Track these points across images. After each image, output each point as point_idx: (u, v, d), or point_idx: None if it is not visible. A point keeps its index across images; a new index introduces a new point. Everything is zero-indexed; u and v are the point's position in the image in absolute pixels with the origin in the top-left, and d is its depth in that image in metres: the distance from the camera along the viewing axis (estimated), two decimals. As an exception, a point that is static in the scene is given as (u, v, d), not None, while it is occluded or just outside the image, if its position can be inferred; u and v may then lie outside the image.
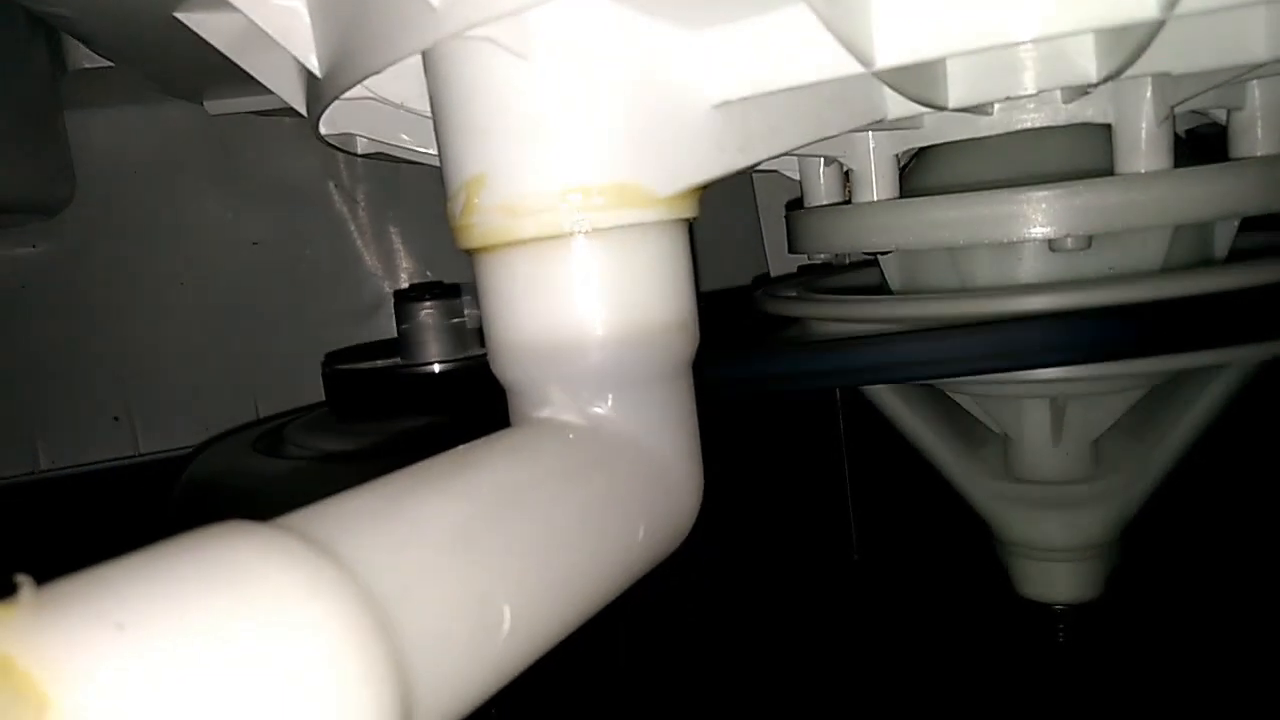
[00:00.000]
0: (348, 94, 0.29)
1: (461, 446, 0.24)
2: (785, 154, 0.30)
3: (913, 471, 0.51)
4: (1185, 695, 0.46)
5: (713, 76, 0.26)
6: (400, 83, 0.30)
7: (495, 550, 0.21)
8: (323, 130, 0.35)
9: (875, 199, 0.38)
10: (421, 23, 0.23)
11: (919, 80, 0.27)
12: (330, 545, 0.18)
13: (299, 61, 0.29)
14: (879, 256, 0.42)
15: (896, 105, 0.29)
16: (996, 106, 0.35)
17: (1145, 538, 0.46)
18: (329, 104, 0.30)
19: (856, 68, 0.24)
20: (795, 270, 0.60)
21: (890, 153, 0.38)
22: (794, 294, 0.45)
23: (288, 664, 0.15)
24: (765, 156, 0.28)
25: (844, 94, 0.28)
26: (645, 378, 0.27)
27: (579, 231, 0.25)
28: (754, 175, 0.60)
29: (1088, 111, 0.34)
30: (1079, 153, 0.37)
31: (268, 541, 0.17)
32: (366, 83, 0.28)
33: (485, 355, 0.50)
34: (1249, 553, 0.52)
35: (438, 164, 0.40)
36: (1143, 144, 0.33)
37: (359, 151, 0.40)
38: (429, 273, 0.75)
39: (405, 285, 0.74)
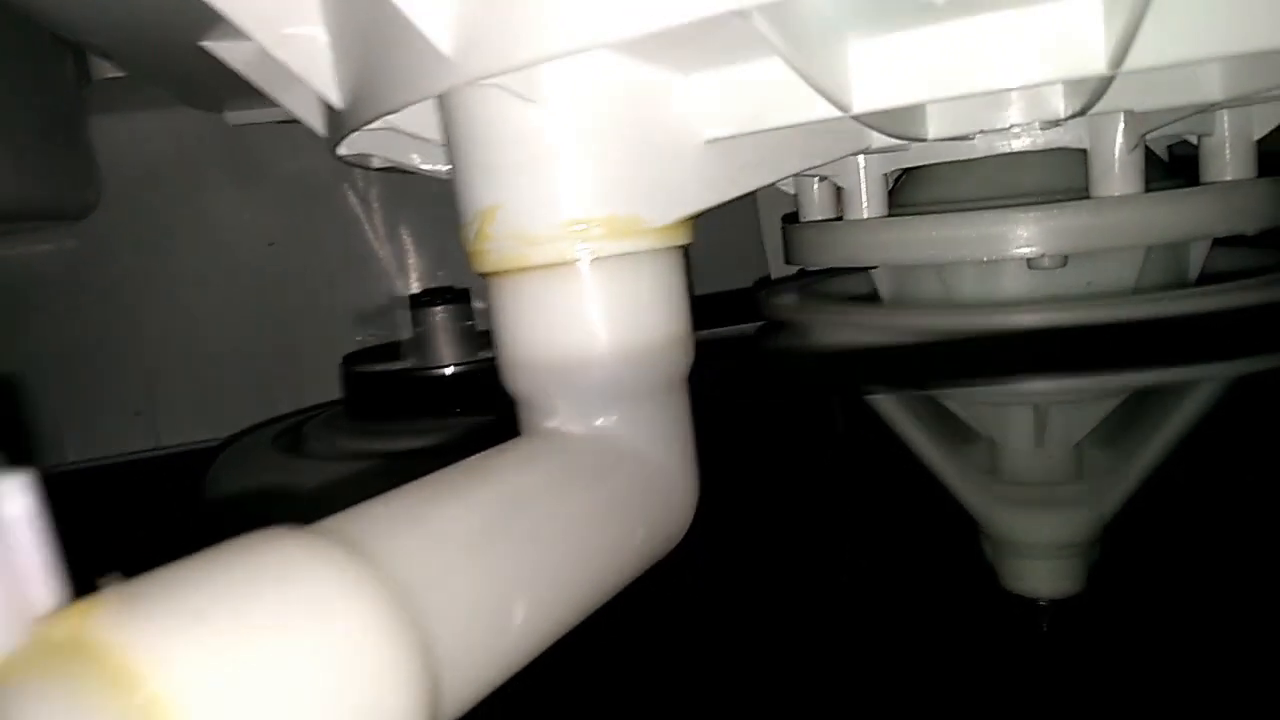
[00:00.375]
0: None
1: (477, 455, 0.26)
2: (770, 184, 0.32)
3: (907, 469, 0.54)
4: (1161, 684, 0.48)
5: (703, 116, 0.28)
6: (415, 115, 0.32)
7: (509, 551, 0.23)
8: (340, 151, 0.37)
9: (865, 216, 0.40)
10: (437, 70, 0.25)
11: (898, 120, 0.29)
12: (365, 547, 0.20)
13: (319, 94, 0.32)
14: (870, 269, 0.44)
15: (880, 137, 0.31)
16: (977, 134, 0.37)
17: (1125, 536, 0.49)
18: (348, 134, 0.32)
19: (831, 112, 0.26)
20: (795, 272, 0.62)
21: (879, 172, 0.40)
22: (795, 300, 0.47)
23: (333, 650, 0.18)
24: (755, 187, 0.30)
25: (826, 130, 0.30)
26: (644, 391, 0.29)
27: (581, 259, 0.27)
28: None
29: (1065, 137, 0.36)
30: (1058, 174, 0.40)
31: (312, 545, 0.19)
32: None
33: (493, 358, 0.53)
34: (1224, 551, 0.54)
35: (448, 179, 0.42)
36: (1115, 169, 0.35)
37: (374, 167, 0.42)
38: (439, 272, 0.77)
39: (415, 284, 0.77)
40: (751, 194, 0.70)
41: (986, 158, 0.40)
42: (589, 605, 0.26)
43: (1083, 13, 0.23)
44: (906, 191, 0.44)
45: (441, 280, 0.75)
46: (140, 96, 0.64)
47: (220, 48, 0.36)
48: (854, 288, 0.51)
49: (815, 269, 0.52)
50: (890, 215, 0.41)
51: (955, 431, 0.50)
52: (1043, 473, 0.46)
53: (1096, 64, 0.23)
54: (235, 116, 0.57)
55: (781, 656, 0.53)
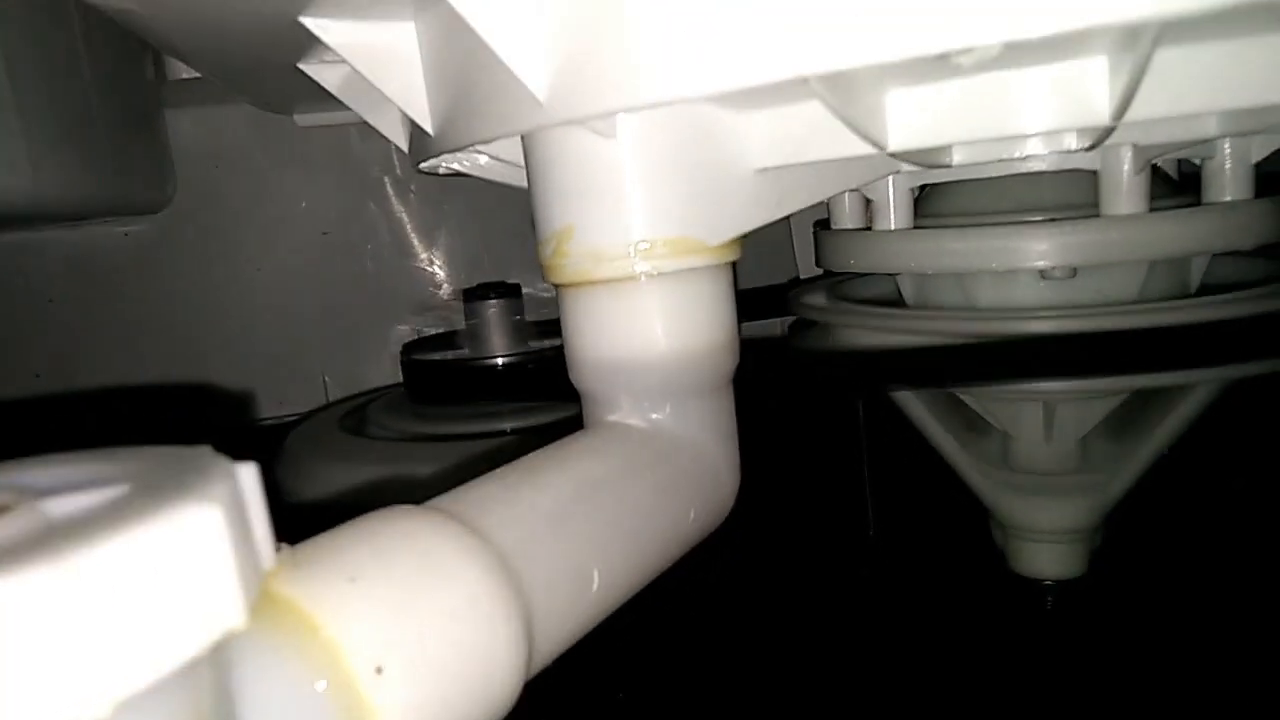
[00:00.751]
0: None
1: (552, 445, 0.31)
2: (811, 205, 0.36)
3: (925, 459, 0.57)
4: (1158, 661, 0.52)
5: (755, 149, 0.31)
6: (498, 142, 0.36)
7: (585, 527, 0.27)
8: (422, 166, 0.41)
9: (892, 228, 0.44)
10: (531, 112, 0.29)
11: (926, 155, 0.32)
12: (472, 522, 0.24)
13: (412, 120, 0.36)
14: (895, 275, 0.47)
15: (908, 164, 0.35)
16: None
17: (1125, 524, 0.52)
18: (437, 155, 0.36)
19: (868, 150, 0.30)
20: (823, 273, 0.66)
21: (906, 187, 0.44)
22: (823, 302, 0.51)
23: (456, 606, 0.22)
24: (798, 208, 0.34)
25: (863, 160, 0.34)
26: (695, 389, 0.33)
27: (645, 274, 0.31)
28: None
29: (1079, 160, 0.40)
30: (1071, 190, 0.43)
31: (432, 520, 0.23)
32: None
33: (543, 349, 0.57)
34: (1218, 539, 0.57)
35: (509, 184, 0.46)
36: (1123, 190, 0.39)
37: (441, 173, 0.46)
38: (484, 264, 0.81)
39: (460, 276, 0.81)
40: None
41: (1005, 177, 0.44)
42: (649, 575, 0.30)
43: (1090, 71, 0.27)
44: (931, 203, 0.48)
45: (486, 271, 0.79)
46: (211, 92, 0.68)
47: (313, 69, 0.40)
48: (877, 289, 0.55)
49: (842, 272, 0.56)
50: (915, 226, 0.44)
51: (969, 424, 0.53)
52: (1050, 463, 0.50)
53: (1101, 116, 0.27)
54: (304, 119, 0.61)
55: (807, 627, 0.57)
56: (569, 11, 0.27)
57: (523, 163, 0.35)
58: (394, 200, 0.81)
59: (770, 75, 0.24)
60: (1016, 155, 0.34)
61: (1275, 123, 0.34)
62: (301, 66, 0.41)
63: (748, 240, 0.33)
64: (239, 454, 0.18)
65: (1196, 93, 0.27)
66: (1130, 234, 0.39)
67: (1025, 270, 0.42)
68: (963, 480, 0.53)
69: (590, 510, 0.28)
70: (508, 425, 0.54)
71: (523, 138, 0.32)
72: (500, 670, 0.22)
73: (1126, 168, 0.38)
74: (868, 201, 0.47)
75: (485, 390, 0.56)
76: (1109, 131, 0.29)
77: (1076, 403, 0.48)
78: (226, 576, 0.15)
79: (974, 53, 0.23)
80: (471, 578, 0.23)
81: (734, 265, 0.34)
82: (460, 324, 0.62)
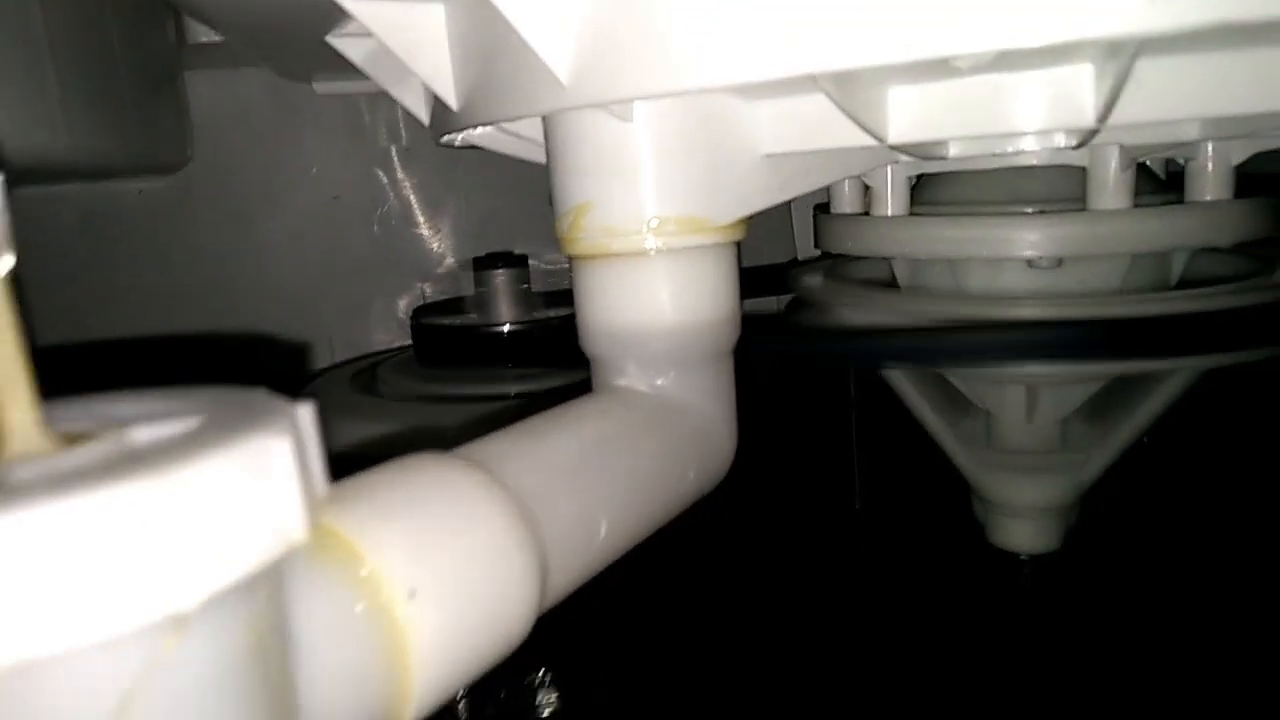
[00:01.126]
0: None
1: (563, 405, 0.33)
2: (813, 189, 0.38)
3: (911, 436, 0.60)
4: (1127, 631, 0.55)
5: (763, 136, 0.33)
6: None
7: (594, 479, 0.30)
8: (442, 140, 0.43)
9: (889, 214, 0.46)
10: (554, 94, 0.31)
11: (924, 148, 0.34)
12: (493, 470, 0.27)
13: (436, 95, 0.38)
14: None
15: (906, 156, 0.37)
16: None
17: (1100, 503, 0.55)
18: (459, 130, 0.38)
19: (869, 141, 0.32)
20: (820, 255, 0.68)
21: (904, 176, 0.46)
22: (821, 282, 0.53)
23: (482, 544, 0.24)
24: (801, 192, 0.36)
25: (864, 150, 0.36)
26: (698, 359, 0.36)
27: (655, 250, 0.33)
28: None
29: (1069, 156, 0.42)
30: (1060, 185, 0.45)
31: (457, 465, 0.26)
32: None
33: (549, 318, 0.59)
34: (1190, 518, 0.60)
35: (521, 159, 0.48)
36: (1109, 187, 0.41)
37: (458, 145, 0.48)
38: (489, 234, 0.83)
39: (466, 246, 0.83)
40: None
41: (998, 169, 0.46)
42: (650, 528, 0.33)
43: (1079, 77, 0.29)
44: (927, 191, 0.50)
45: (492, 243, 0.81)
46: (230, 57, 0.70)
47: (342, 43, 0.42)
48: (873, 273, 0.57)
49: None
50: (911, 213, 0.46)
51: (955, 404, 0.56)
52: (1031, 443, 0.52)
53: (1087, 119, 0.29)
54: (322, 87, 0.63)
55: (791, 597, 0.59)
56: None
57: (540, 139, 0.37)
58: (403, 170, 0.83)
59: (782, 71, 0.26)
60: (1009, 151, 0.36)
61: (1254, 129, 0.36)
62: (329, 39, 0.42)
63: (751, 222, 0.36)
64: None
65: (1176, 100, 0.29)
66: (1114, 228, 0.41)
67: (1014, 259, 0.44)
68: (947, 457, 0.56)
69: (599, 465, 0.30)
70: (512, 389, 0.56)
71: (543, 118, 0.34)
72: (517, 602, 0.25)
73: (1113, 166, 0.40)
74: (866, 188, 0.49)
75: (492, 355, 0.58)
76: (1095, 133, 0.31)
77: (1058, 387, 0.50)
78: (293, 498, 0.17)
79: (971, 57, 0.25)
80: (494, 517, 0.25)
81: (738, 244, 0.36)
82: (468, 291, 0.64)
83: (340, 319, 0.82)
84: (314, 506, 0.19)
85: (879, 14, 0.24)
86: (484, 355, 0.58)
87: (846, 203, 0.49)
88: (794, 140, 0.33)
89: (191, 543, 0.15)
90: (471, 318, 0.60)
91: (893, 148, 0.32)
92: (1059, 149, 0.38)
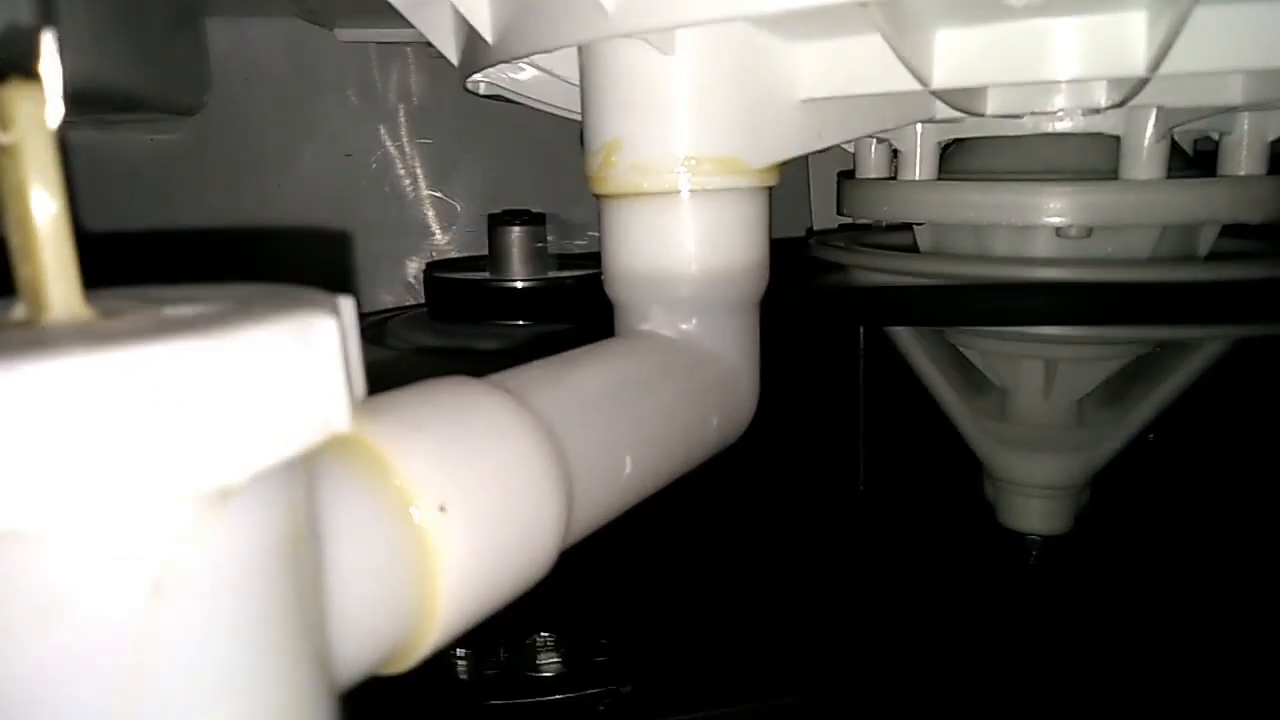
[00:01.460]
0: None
1: (590, 345, 0.32)
2: (849, 140, 0.38)
3: (917, 416, 0.60)
4: (1132, 616, 0.55)
5: (803, 78, 0.33)
6: (552, 55, 0.37)
7: (620, 417, 0.29)
8: (473, 79, 0.42)
9: (917, 178, 0.45)
10: (596, 22, 0.30)
11: (964, 96, 0.34)
12: (520, 396, 0.26)
13: (471, 28, 0.37)
14: (914, 225, 0.49)
15: (944, 109, 0.37)
16: (1027, 115, 0.42)
17: (1111, 485, 0.55)
18: (493, 65, 0.37)
19: (915, 85, 0.31)
20: (836, 227, 0.67)
21: (934, 140, 0.45)
22: (844, 245, 0.53)
23: (510, 461, 0.23)
24: (837, 141, 0.35)
25: (903, 99, 0.35)
26: (725, 307, 0.35)
27: (688, 190, 0.33)
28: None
29: (1102, 124, 0.41)
30: (1091, 155, 0.45)
31: (487, 388, 0.25)
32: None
33: (563, 277, 0.58)
34: (1202, 502, 0.60)
35: (546, 109, 0.47)
36: (1143, 155, 0.40)
37: (481, 93, 0.47)
38: (501, 195, 0.82)
39: (477, 206, 0.82)
40: (804, 157, 0.76)
41: (1030, 136, 0.45)
42: (672, 474, 0.32)
43: (1130, 23, 0.28)
44: (955, 160, 0.49)
45: (504, 203, 0.80)
46: (248, 5, 0.69)
47: (371, -24, 0.41)
48: (893, 241, 0.56)
49: (862, 222, 0.57)
50: (939, 179, 0.46)
51: (970, 380, 0.55)
52: (1046, 421, 0.52)
53: (1137, 67, 0.28)
54: (345, 34, 0.62)
55: (797, 576, 0.59)
56: (641, -76, 0.28)
57: (571, 78, 0.36)
58: (415, 129, 0.82)
59: (836, -3, 0.25)
60: (1047, 109, 0.36)
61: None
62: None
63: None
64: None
65: (1228, 49, 0.29)
66: (1146, 198, 0.41)
67: (1041, 227, 0.44)
68: (958, 433, 0.55)
69: (625, 404, 0.30)
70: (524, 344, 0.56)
71: (581, 50, 0.34)
72: (544, 528, 0.24)
73: (1149, 132, 0.39)
74: (894, 155, 0.48)
75: (505, 310, 0.58)
76: (1141, 84, 0.31)
77: (1077, 364, 0.50)
78: (338, 382, 0.17)
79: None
80: (523, 440, 0.24)
81: (770, 192, 0.35)
82: (482, 250, 0.63)
83: (354, 277, 0.82)
84: (353, 398, 0.18)
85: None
86: (497, 310, 0.58)
87: (873, 168, 0.49)
88: (833, 84, 0.33)
89: (241, 413, 0.15)
90: (485, 273, 0.59)
91: (934, 93, 0.32)
92: (1095, 111, 0.37)
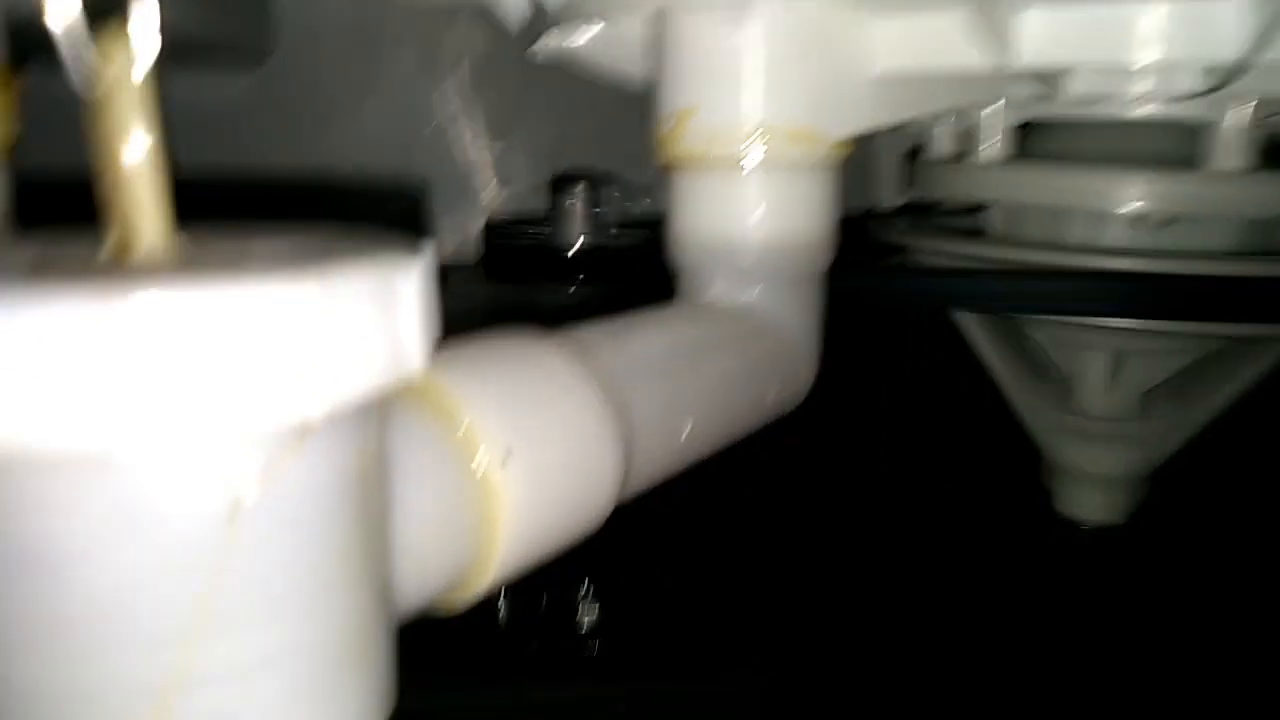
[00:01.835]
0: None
1: (653, 310, 0.33)
2: (923, 116, 0.37)
3: (944, 402, 0.59)
4: (1180, 612, 0.54)
5: (880, 53, 0.33)
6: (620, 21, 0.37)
7: (680, 381, 0.29)
8: (538, 45, 0.43)
9: (991, 158, 0.44)
10: (672, -11, 0.30)
11: (1045, 78, 0.33)
12: (584, 353, 0.26)
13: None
14: (984, 207, 0.48)
15: (1022, 89, 0.36)
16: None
17: (1172, 482, 0.54)
18: (558, 26, 0.38)
19: (994, 63, 0.30)
20: (894, 209, 0.66)
21: (1012, 120, 0.44)
22: (910, 228, 0.52)
23: (571, 413, 0.24)
24: (910, 118, 0.35)
25: (980, 78, 0.35)
26: (788, 280, 0.35)
27: (759, 161, 0.32)
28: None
29: (1187, 110, 0.40)
30: (1172, 143, 0.43)
31: (553, 344, 0.26)
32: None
33: (620, 239, 0.58)
34: (1264, 503, 0.58)
35: (605, 76, 0.47)
36: (1231, 145, 0.39)
37: (539, 60, 0.48)
38: (560, 158, 0.82)
39: (536, 168, 0.82)
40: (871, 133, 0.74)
41: (1108, 121, 0.44)
42: (728, 440, 0.32)
43: (1225, 6, 0.28)
44: (1029, 143, 0.48)
45: (561, 166, 0.79)
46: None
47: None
48: (957, 224, 0.55)
49: (924, 204, 0.56)
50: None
51: (1035, 364, 0.54)
52: (1110, 412, 0.51)
53: (1231, 52, 0.28)
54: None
55: (835, 548, 0.59)
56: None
57: (633, 47, 0.36)
58: (475, 90, 0.82)
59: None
60: (1131, 94, 0.35)
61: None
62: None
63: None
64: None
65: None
66: (1232, 190, 0.39)
67: (1117, 217, 0.43)
68: (1018, 419, 0.54)
69: (685, 368, 0.30)
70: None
71: (656, 16, 0.34)
72: (601, 482, 0.25)
73: (1236, 123, 0.38)
74: (965, 134, 0.47)
75: (561, 272, 0.58)
76: (1236, 71, 0.30)
77: (1146, 357, 0.49)
78: (417, 326, 0.17)
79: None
80: (585, 396, 0.25)
81: (839, 167, 0.35)
82: (540, 211, 0.63)
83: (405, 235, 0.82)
84: (428, 346, 0.19)
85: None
86: (552, 271, 0.58)
87: (944, 147, 0.48)
88: (910, 60, 0.32)
89: (323, 353, 0.15)
90: (543, 234, 0.60)
91: (1016, 74, 0.31)
92: (1179, 99, 0.36)
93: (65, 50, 0.16)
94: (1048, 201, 0.42)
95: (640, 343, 0.29)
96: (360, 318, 0.16)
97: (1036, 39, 0.30)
